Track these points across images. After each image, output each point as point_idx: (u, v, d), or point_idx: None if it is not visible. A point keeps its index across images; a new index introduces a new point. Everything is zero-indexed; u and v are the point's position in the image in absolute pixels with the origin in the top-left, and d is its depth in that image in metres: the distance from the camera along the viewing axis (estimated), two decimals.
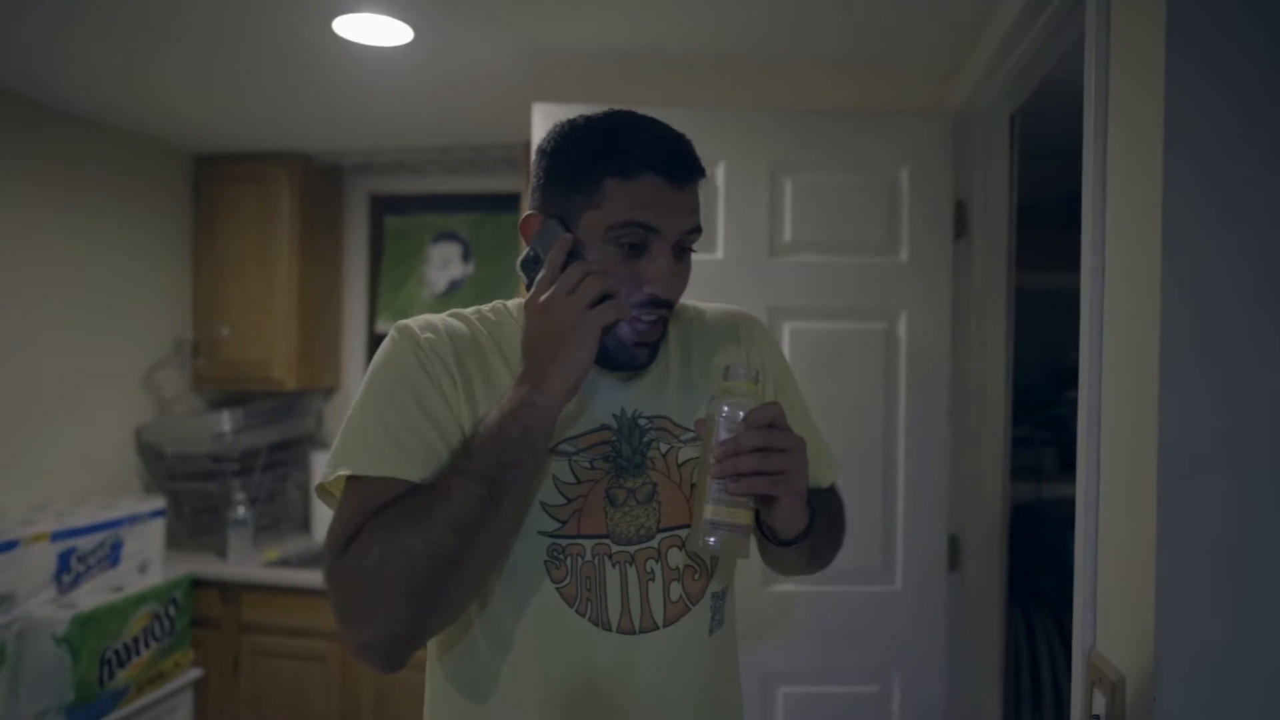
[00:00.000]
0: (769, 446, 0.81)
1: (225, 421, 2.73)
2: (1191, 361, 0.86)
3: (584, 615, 0.89)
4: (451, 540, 0.78)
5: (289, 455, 3.06)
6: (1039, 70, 1.80)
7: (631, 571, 0.90)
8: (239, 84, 2.26)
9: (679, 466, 0.94)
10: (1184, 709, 0.86)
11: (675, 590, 0.92)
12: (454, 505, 0.79)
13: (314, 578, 2.60)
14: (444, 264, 3.17)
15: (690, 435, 0.95)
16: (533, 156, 0.96)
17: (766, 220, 2.03)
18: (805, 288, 2.03)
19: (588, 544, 0.90)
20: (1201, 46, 0.86)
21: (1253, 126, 0.85)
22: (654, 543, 0.92)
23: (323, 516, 3.00)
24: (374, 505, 0.82)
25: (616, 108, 0.94)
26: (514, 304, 1.00)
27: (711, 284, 2.00)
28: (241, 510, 2.70)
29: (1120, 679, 0.96)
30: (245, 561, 2.70)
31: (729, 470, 0.81)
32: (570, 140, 0.90)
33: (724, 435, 0.83)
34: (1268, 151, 0.84)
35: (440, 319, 0.94)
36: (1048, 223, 2.25)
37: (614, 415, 0.94)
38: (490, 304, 1.00)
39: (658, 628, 0.91)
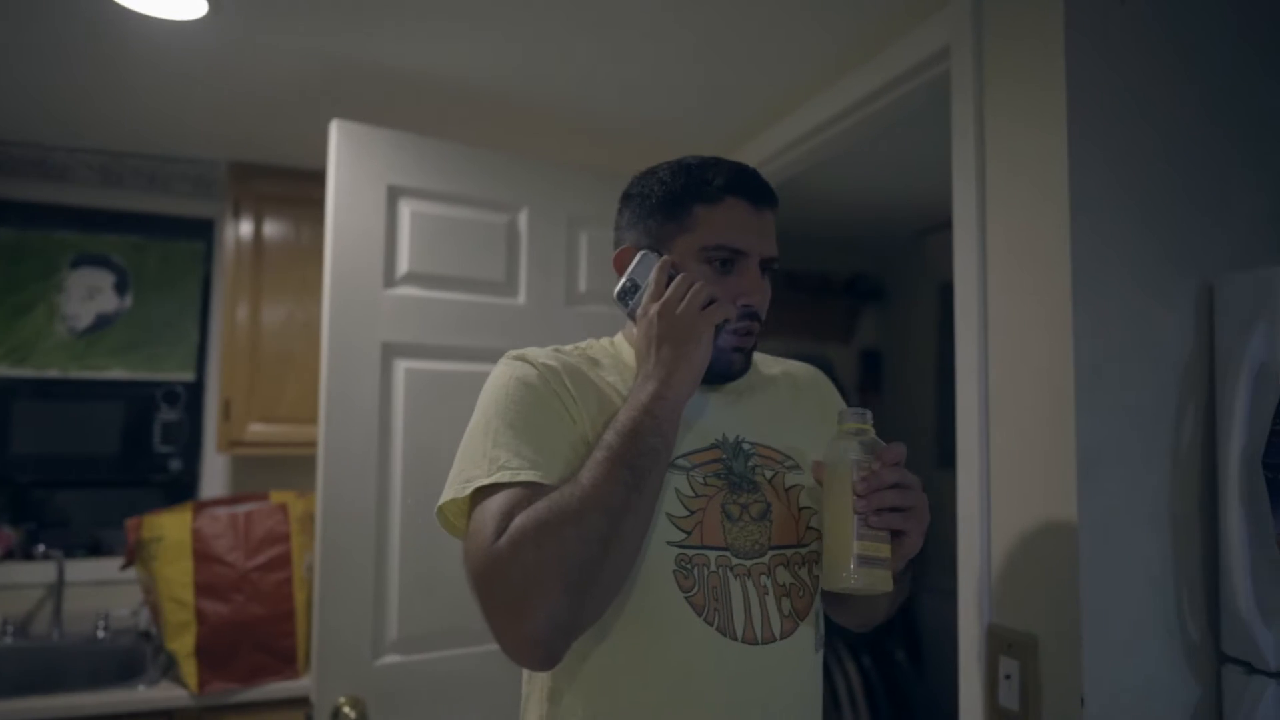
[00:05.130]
0: (903, 482, 0.87)
1: None
2: (1090, 397, 1.17)
3: (711, 624, 0.90)
4: (602, 525, 0.82)
5: None
6: (790, 171, 2.16)
7: (750, 584, 0.93)
8: None
9: (786, 490, 0.99)
10: (1102, 643, 1.14)
11: (785, 605, 0.95)
12: (602, 492, 0.83)
13: None
14: (89, 294, 2.54)
15: (791, 463, 1.02)
16: (618, 203, 1.08)
17: (564, 270, 2.07)
18: (599, 337, 2.11)
19: (712, 555, 0.92)
20: (1098, 162, 1.20)
21: (1134, 237, 1.21)
22: (765, 559, 0.95)
23: None
24: (515, 509, 0.84)
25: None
26: (604, 340, 1.09)
27: (511, 328, 1.98)
28: None
29: (1032, 640, 1.22)
30: None
31: (874, 504, 0.85)
32: (657, 179, 1.02)
33: (859, 473, 0.87)
34: (1145, 259, 1.21)
35: (545, 349, 1.00)
36: None
37: (717, 439, 0.99)
38: (579, 343, 1.08)
39: (775, 640, 0.93)
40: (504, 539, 0.81)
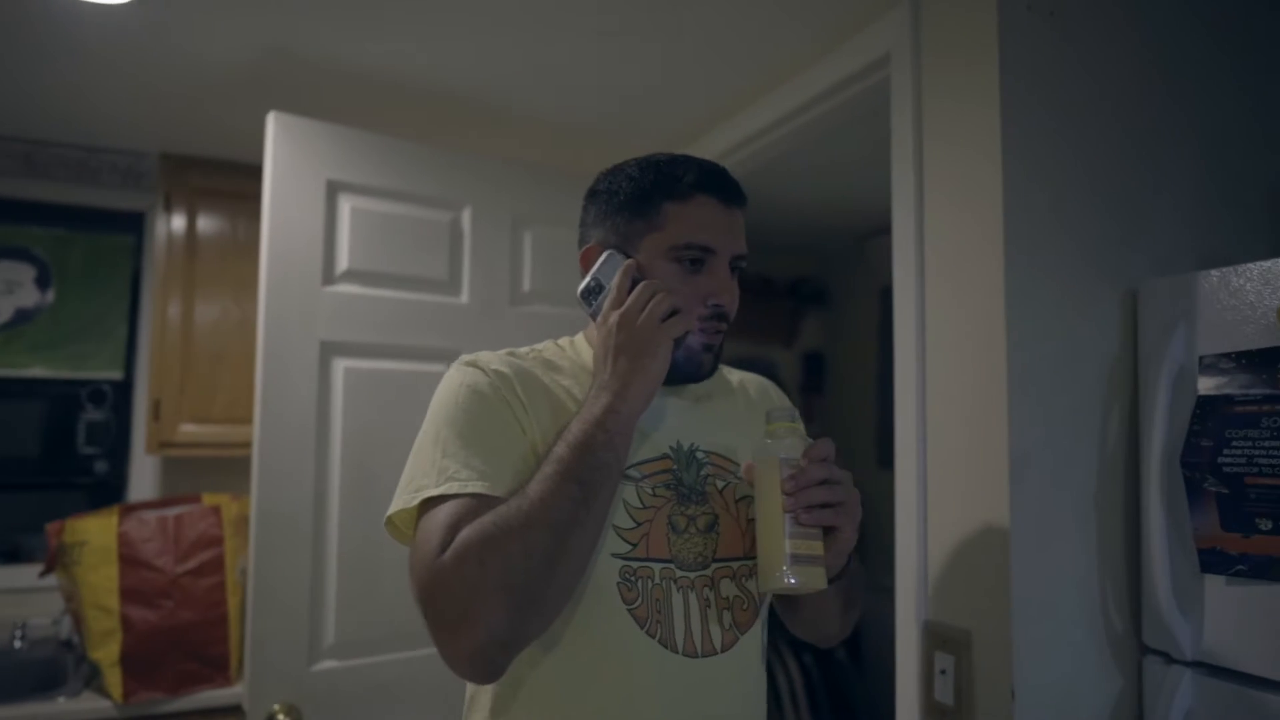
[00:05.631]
0: (831, 478, 0.87)
1: None
2: (1022, 400, 1.21)
3: (654, 636, 0.90)
4: (548, 541, 0.80)
5: None
6: (734, 175, 2.18)
7: (693, 597, 0.92)
8: None
9: (736, 502, 0.98)
10: (1032, 636, 1.17)
11: (727, 618, 0.94)
12: (550, 507, 0.81)
13: None
14: (8, 289, 2.43)
15: None
16: (584, 200, 1.03)
17: (508, 269, 2.05)
18: (542, 338, 2.09)
19: (656, 567, 0.91)
20: (1031, 171, 1.23)
21: (1064, 243, 1.25)
22: (709, 571, 0.94)
23: None
24: (462, 522, 0.82)
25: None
26: (564, 340, 1.06)
27: (454, 327, 1.96)
28: None
29: (966, 635, 1.25)
30: None
31: (803, 501, 0.85)
32: (625, 175, 0.99)
33: (787, 471, 0.87)
34: (1074, 265, 1.25)
35: (499, 354, 0.97)
36: None
37: (670, 447, 0.98)
38: (536, 344, 1.05)
39: (716, 653, 0.93)
40: (449, 553, 0.80)
